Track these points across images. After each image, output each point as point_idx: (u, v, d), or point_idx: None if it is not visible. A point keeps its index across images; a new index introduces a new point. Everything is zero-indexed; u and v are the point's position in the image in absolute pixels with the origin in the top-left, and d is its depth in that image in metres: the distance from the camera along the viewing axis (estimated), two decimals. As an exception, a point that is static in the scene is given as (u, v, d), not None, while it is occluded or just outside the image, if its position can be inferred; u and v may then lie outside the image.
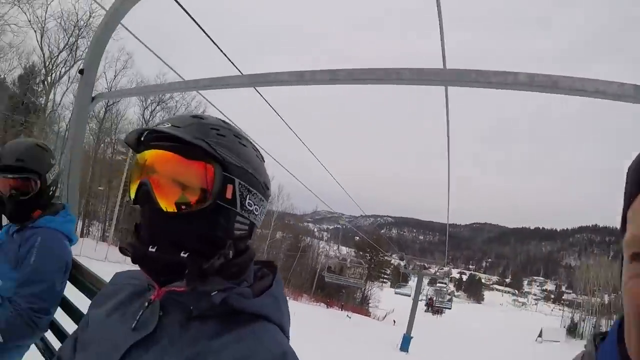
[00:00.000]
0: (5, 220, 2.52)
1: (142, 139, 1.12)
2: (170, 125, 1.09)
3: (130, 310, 1.17)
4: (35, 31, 36.35)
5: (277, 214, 62.36)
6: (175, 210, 1.06)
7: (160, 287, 1.11)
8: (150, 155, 1.09)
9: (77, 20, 37.39)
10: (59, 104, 38.84)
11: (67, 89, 38.55)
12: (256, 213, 1.19)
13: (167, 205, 1.06)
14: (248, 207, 1.15)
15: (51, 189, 2.51)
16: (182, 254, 1.05)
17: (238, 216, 1.14)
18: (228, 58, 4.59)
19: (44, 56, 37.45)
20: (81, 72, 2.90)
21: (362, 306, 66.43)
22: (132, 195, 1.11)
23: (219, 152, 1.08)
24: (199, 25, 3.80)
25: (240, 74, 2.37)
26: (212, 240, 1.10)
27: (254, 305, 1.09)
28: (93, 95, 2.96)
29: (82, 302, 2.35)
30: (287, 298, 1.25)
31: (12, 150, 2.38)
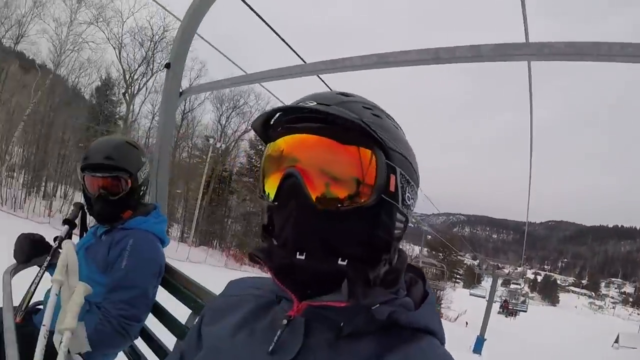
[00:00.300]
0: (91, 221, 2.42)
1: (273, 122, 0.95)
2: (315, 103, 0.89)
3: (259, 328, 1.00)
4: (114, 48, 38.10)
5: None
6: (332, 207, 0.86)
7: (301, 301, 0.93)
8: (294, 140, 0.90)
9: (153, 35, 38.71)
10: (138, 112, 40.42)
11: (145, 99, 40.32)
12: (412, 208, 0.98)
13: (322, 200, 0.86)
14: (407, 201, 0.94)
15: (142, 188, 2.38)
16: (339, 262, 0.86)
17: (398, 213, 0.93)
18: (298, 54, 4.43)
19: (123, 71, 39.05)
20: (167, 66, 2.78)
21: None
22: (271, 190, 0.93)
23: (380, 136, 0.87)
24: (269, 26, 3.70)
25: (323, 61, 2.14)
26: (374, 242, 0.89)
27: (420, 318, 0.92)
28: (181, 90, 2.83)
29: (171, 304, 2.29)
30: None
31: (101, 148, 2.26)
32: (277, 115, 0.94)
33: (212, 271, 27.27)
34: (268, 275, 1.03)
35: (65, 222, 2.39)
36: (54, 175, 34.56)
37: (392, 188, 0.88)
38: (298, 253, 0.86)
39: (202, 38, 4.02)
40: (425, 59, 1.72)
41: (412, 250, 76.21)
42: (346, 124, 0.84)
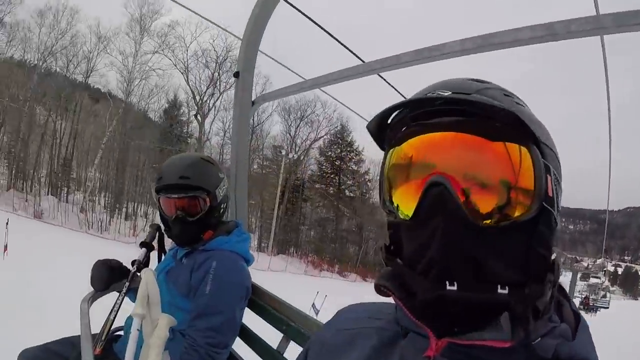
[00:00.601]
0: (168, 243, 2.29)
1: (392, 121, 0.77)
2: (450, 92, 0.70)
3: None
4: (181, 72, 39.43)
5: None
6: (489, 222, 0.67)
7: (439, 337, 0.72)
8: (430, 141, 0.71)
9: (217, 57, 39.66)
10: (209, 131, 41.35)
11: (214, 117, 41.37)
12: (560, 211, 0.75)
13: (475, 214, 0.67)
14: (559, 205, 0.74)
15: (222, 206, 2.22)
16: (499, 290, 0.66)
17: (554, 221, 0.72)
18: (355, 54, 4.25)
19: (192, 93, 40.33)
20: (236, 75, 2.61)
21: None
22: (404, 204, 0.74)
23: (533, 129, 0.68)
24: (324, 29, 3.56)
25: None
26: (533, 261, 0.69)
27: (581, 349, 0.70)
28: (252, 99, 2.67)
29: (257, 325, 2.18)
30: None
31: (175, 167, 2.11)
32: (396, 112, 0.75)
33: (294, 279, 27.60)
34: (384, 300, 0.83)
35: (142, 244, 2.27)
36: (133, 196, 36.49)
37: (550, 192, 0.69)
38: (448, 282, 0.66)
39: (264, 53, 3.91)
40: (491, 43, 1.46)
41: None
42: (495, 115, 0.66)
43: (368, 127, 0.79)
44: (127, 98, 36.10)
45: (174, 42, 38.58)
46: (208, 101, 40.89)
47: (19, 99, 32.89)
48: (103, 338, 1.92)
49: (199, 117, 40.63)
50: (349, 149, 47.40)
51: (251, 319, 2.17)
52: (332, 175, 47.32)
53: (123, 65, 35.90)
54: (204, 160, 2.19)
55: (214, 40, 39.62)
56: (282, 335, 2.02)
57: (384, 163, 0.78)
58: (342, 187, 47.48)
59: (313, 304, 14.42)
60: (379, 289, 0.76)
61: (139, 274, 2.13)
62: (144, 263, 2.22)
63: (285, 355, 1.97)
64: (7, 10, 32.92)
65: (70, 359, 2.05)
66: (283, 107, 44.38)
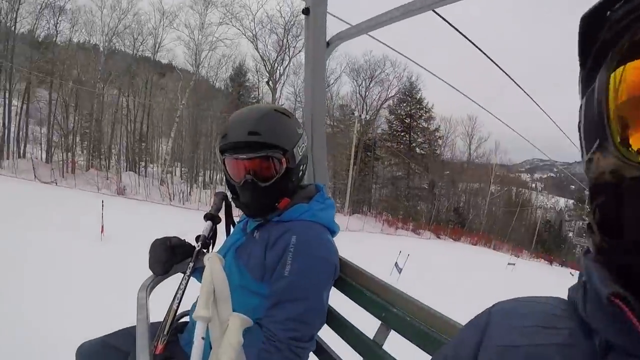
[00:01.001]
0: (233, 214, 1.89)
1: (619, 16, 0.47)
2: None
3: None
4: (250, 41, 39.60)
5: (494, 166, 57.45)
6: None
7: None
8: None
9: (285, 23, 39.46)
10: (279, 96, 41.46)
11: (284, 82, 41.50)
12: None
13: None
14: None
15: (300, 168, 1.75)
16: None
17: None
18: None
19: (263, 60, 40.50)
20: (305, 11, 2.11)
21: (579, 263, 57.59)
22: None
23: None
24: None
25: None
26: None
27: None
28: (327, 39, 2.18)
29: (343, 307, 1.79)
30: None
31: (243, 121, 1.66)
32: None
33: (372, 238, 27.53)
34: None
35: (207, 217, 1.89)
36: (210, 165, 37.71)
37: None
38: None
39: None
40: None
41: (557, 202, 70.34)
42: None
43: (583, 19, 0.50)
44: (196, 70, 36.69)
45: (239, 11, 38.70)
46: (278, 67, 40.83)
47: (89, 81, 34.08)
48: (166, 332, 1.55)
49: (270, 83, 40.62)
50: (418, 106, 46.89)
51: (338, 302, 1.77)
52: (402, 134, 47.16)
53: (190, 38, 36.52)
54: (278, 112, 1.72)
55: (280, 7, 39.43)
56: (379, 322, 1.59)
57: (604, 87, 0.47)
58: (413, 144, 47.16)
59: (396, 263, 14.70)
60: (612, 303, 0.44)
61: (205, 250, 1.80)
62: (209, 238, 1.85)
63: (385, 347, 1.56)
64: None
65: (132, 355, 1.69)
66: (352, 68, 44.13)
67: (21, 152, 32.82)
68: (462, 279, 17.75)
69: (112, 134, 35.62)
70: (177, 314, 1.62)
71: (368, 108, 45.17)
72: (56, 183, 26.94)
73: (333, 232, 1.75)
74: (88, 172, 31.49)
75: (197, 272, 1.76)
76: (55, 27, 34.41)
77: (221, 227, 1.96)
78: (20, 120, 33.43)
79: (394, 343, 1.54)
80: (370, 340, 1.60)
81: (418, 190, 48.30)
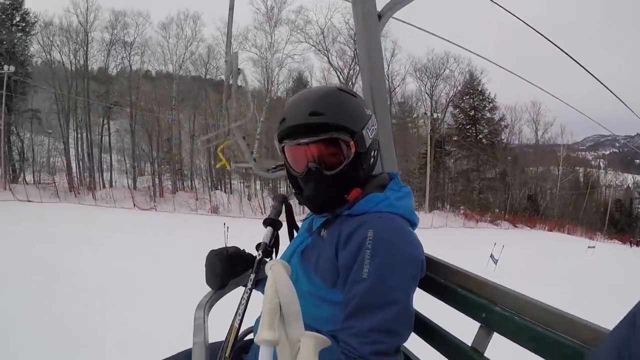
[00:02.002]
0: (296, 212, 1.62)
1: None
2: None
3: None
4: (323, 55, 42.50)
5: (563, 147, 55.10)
6: None
7: None
8: None
9: (354, 34, 41.02)
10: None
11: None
12: None
13: None
14: None
15: (371, 154, 1.44)
16: None
17: None
18: None
19: (336, 72, 42.48)
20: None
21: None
22: None
23: None
24: None
25: None
26: None
27: None
28: (378, 11, 1.88)
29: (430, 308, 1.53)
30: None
31: (303, 102, 1.37)
32: None
33: (456, 232, 27.52)
34: None
35: (266, 222, 1.63)
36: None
37: None
38: None
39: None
40: None
41: (624, 178, 65.39)
42: None
43: None
44: (269, 87, 38.40)
45: (302, 27, 40.34)
46: (352, 77, 41.52)
47: (164, 108, 36.20)
48: (227, 354, 1.29)
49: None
50: (481, 97, 46.75)
51: (423, 305, 1.48)
52: (468, 127, 47.05)
53: (260, 57, 38.48)
54: (342, 91, 1.43)
55: (348, 20, 39.95)
56: (478, 325, 1.29)
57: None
58: (480, 136, 46.91)
59: (491, 254, 15.42)
60: None
61: (267, 259, 1.54)
62: (271, 246, 1.59)
63: (486, 354, 1.26)
64: (137, 33, 37.06)
65: None
66: (416, 68, 45.06)
67: (112, 182, 34.62)
68: (552, 266, 17.56)
69: (192, 156, 36.85)
70: (240, 332, 1.37)
71: (435, 106, 45.48)
72: (156, 209, 27.96)
73: (413, 224, 1.43)
74: (177, 194, 32.66)
75: (260, 284, 1.53)
76: (129, 60, 37.70)
77: (283, 234, 1.70)
78: (101, 152, 35.52)
79: (500, 349, 1.30)
80: (468, 346, 1.30)
81: (489, 181, 47.99)
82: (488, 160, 46.06)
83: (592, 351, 0.71)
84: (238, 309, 1.38)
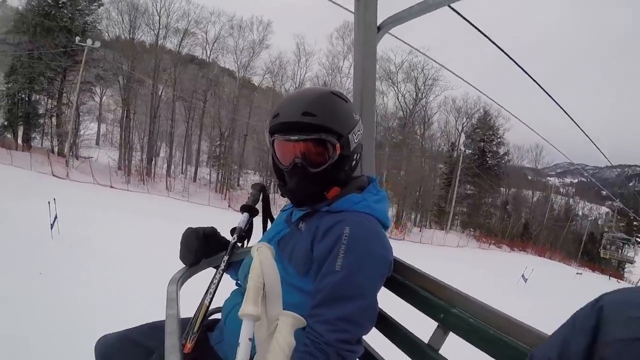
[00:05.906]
0: (275, 202, 1.50)
1: None
2: None
3: None
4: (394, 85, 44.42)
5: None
6: None
7: None
8: None
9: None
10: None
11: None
12: None
13: None
14: None
15: (354, 157, 1.38)
16: None
17: None
18: None
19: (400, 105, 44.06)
20: (357, -5, 1.72)
21: (617, 270, 52.18)
22: None
23: None
24: None
25: None
26: None
27: None
28: (378, 23, 1.80)
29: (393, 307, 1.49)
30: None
31: (297, 101, 1.32)
32: None
33: (476, 253, 28.50)
34: None
35: (243, 208, 1.58)
36: None
37: None
38: None
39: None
40: None
41: (595, 210, 64.61)
42: None
43: None
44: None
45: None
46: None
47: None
48: (196, 329, 1.24)
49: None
50: (490, 132, 47.65)
51: (386, 304, 1.40)
52: (475, 157, 47.61)
53: (327, 74, 39.80)
54: (335, 94, 1.37)
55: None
56: (435, 324, 1.25)
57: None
58: (486, 166, 47.46)
59: (522, 274, 17.89)
60: None
61: (240, 244, 1.51)
62: (245, 231, 1.53)
63: (441, 352, 1.22)
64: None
65: (157, 352, 1.39)
66: (452, 107, 46.95)
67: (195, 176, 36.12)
68: (563, 285, 20.04)
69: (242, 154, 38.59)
70: (209, 310, 1.31)
71: (463, 141, 47.62)
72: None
73: (385, 227, 1.37)
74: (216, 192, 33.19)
75: (232, 267, 1.51)
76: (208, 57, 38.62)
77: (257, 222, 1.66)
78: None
79: (454, 348, 1.27)
80: (424, 343, 1.27)
81: (491, 207, 49.22)
82: (492, 187, 46.90)
83: (537, 348, 0.69)
84: (209, 288, 1.34)
